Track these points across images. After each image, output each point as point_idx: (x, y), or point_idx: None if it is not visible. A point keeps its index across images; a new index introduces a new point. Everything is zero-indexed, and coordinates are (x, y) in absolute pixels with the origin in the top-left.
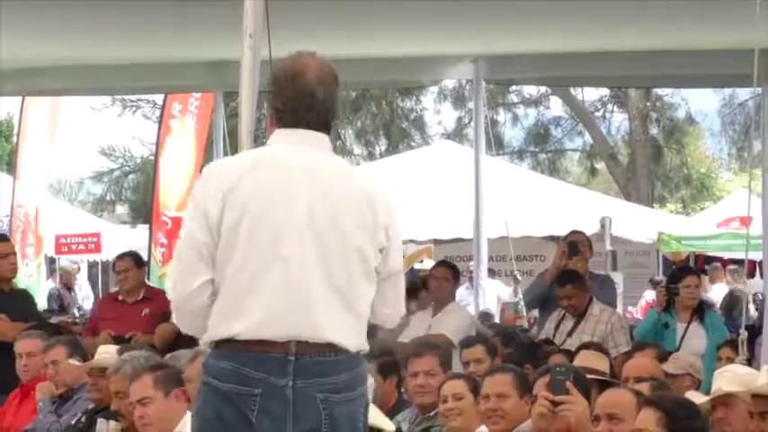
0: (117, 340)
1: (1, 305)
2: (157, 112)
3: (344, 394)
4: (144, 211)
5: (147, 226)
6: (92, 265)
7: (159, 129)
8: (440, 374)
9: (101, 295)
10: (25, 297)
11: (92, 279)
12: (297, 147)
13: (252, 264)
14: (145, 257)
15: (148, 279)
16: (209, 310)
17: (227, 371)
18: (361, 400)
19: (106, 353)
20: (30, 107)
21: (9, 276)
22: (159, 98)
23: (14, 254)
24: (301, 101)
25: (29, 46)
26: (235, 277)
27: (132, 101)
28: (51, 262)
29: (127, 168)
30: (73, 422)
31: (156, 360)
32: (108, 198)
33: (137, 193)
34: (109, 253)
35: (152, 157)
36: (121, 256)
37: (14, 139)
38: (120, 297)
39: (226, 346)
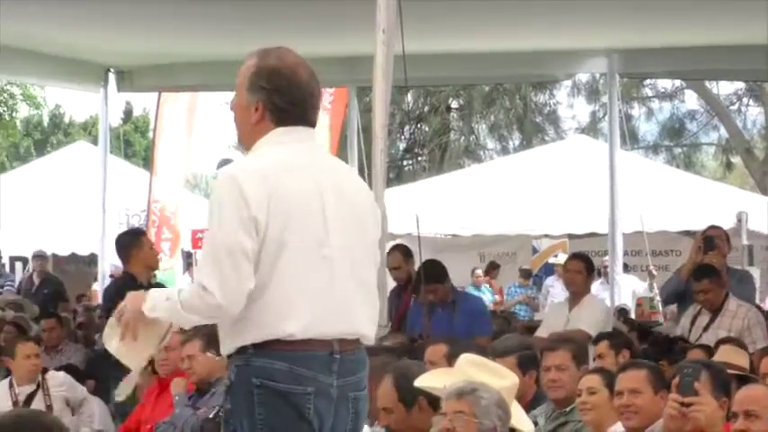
0: None
1: None
2: None
3: (364, 391)
4: None
5: None
6: None
7: None
8: (571, 369)
9: None
10: None
11: None
12: (308, 145)
13: (298, 266)
14: None
15: None
16: None
17: (282, 371)
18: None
19: None
20: (166, 103)
21: (156, 267)
22: None
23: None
24: (307, 99)
25: (165, 42)
26: (282, 280)
27: None
28: (188, 256)
29: None
30: (211, 415)
31: None
32: None
33: None
34: None
35: None
36: None
37: (151, 134)
38: None
39: (272, 346)
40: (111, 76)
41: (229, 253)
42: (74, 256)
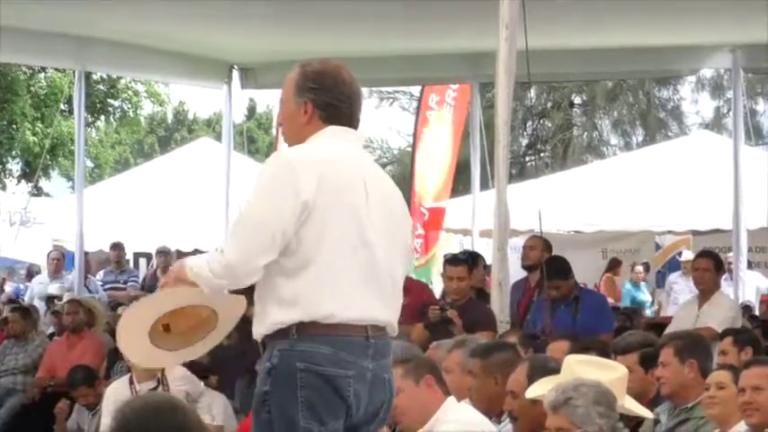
0: None
1: None
2: (415, 104)
3: (391, 374)
4: None
5: None
6: None
7: (416, 120)
8: (674, 364)
9: None
10: None
11: None
12: (356, 144)
13: (342, 247)
14: None
15: None
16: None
17: (326, 355)
18: None
19: None
20: None
21: None
22: (416, 90)
23: None
24: (353, 97)
25: (288, 39)
26: (327, 258)
27: (389, 92)
28: None
29: (384, 160)
30: None
31: (410, 351)
32: None
33: None
34: None
35: (409, 149)
36: None
37: (274, 131)
38: None
39: (314, 330)
40: (235, 73)
41: (255, 225)
42: (197, 252)
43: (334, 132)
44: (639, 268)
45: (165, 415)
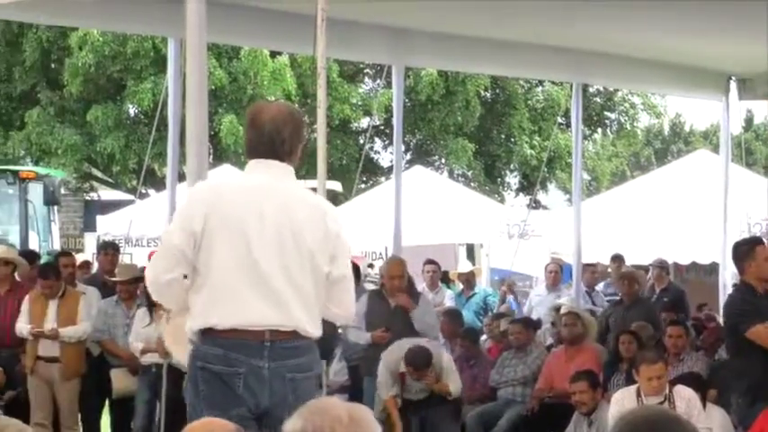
0: None
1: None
2: None
3: (305, 373)
4: None
5: None
6: None
7: None
8: None
9: None
10: None
11: None
12: (266, 170)
13: (229, 266)
14: None
15: None
16: (183, 294)
17: (217, 355)
18: (317, 380)
19: None
20: None
21: None
22: None
23: None
24: (265, 137)
25: None
26: (216, 278)
27: None
28: None
29: None
30: None
31: None
32: None
33: None
34: None
35: None
36: None
37: None
38: None
39: (211, 335)
40: (733, 84)
41: (166, 247)
42: (694, 265)
43: (252, 166)
44: None
45: (661, 428)
